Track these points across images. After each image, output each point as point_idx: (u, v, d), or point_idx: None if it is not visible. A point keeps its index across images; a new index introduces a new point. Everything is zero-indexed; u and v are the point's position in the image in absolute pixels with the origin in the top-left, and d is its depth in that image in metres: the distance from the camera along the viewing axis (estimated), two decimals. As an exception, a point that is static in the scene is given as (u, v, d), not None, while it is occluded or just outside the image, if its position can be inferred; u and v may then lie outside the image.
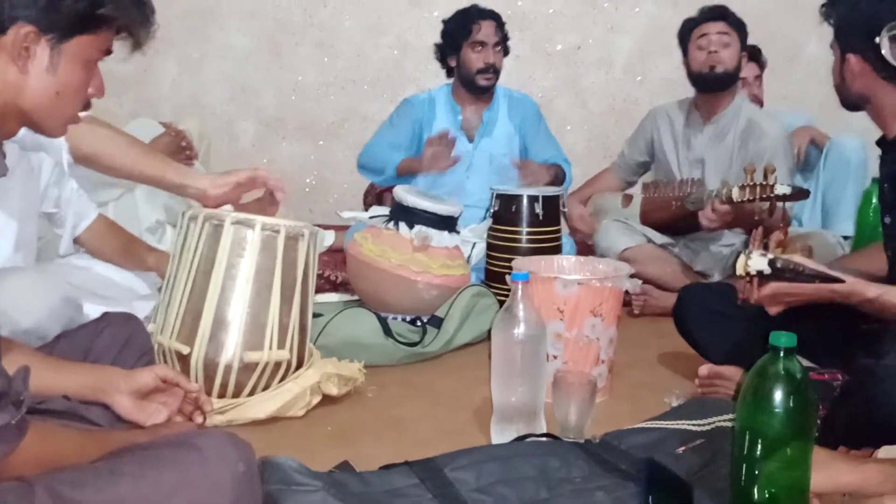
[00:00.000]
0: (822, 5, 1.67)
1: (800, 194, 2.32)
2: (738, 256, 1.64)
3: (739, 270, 1.60)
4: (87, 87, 1.15)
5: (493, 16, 3.05)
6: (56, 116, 1.12)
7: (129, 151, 1.72)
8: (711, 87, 2.81)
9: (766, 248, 1.61)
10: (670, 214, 2.81)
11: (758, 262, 1.56)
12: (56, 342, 1.46)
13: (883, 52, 1.53)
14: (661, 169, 3.01)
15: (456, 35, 3.03)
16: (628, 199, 3.03)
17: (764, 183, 2.32)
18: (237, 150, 4.13)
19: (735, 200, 2.39)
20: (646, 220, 2.92)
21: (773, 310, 1.65)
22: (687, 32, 2.84)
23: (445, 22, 3.10)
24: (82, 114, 1.58)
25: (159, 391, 1.38)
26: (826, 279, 1.55)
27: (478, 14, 3.03)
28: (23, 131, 1.65)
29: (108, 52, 1.17)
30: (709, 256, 2.86)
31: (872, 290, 1.53)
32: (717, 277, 2.79)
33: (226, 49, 4.11)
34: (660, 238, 2.86)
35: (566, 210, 2.98)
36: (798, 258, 1.58)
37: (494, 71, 3.03)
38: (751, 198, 2.34)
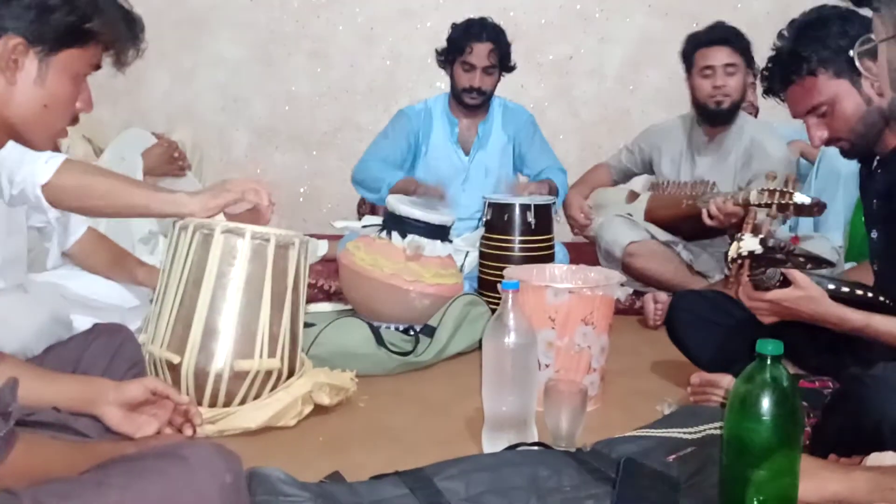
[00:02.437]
0: (785, 64, 1.65)
1: (817, 206, 2.23)
2: (730, 246, 1.62)
3: (732, 253, 1.59)
4: (75, 100, 1.15)
5: (492, 37, 2.97)
6: (43, 129, 1.13)
7: (108, 194, 1.64)
8: (715, 121, 2.79)
9: (755, 231, 1.61)
10: (679, 212, 2.76)
11: (749, 242, 1.56)
12: (45, 354, 1.46)
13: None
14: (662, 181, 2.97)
15: (451, 49, 3.02)
16: (633, 196, 3.01)
17: (784, 189, 2.25)
18: (230, 159, 4.13)
19: (752, 203, 2.33)
20: (651, 216, 2.90)
21: (766, 319, 1.66)
22: (691, 52, 2.77)
23: (452, 27, 3.05)
24: (48, 174, 1.58)
25: (149, 403, 1.37)
26: (815, 260, 1.56)
27: (475, 35, 2.96)
28: (7, 192, 1.64)
29: (97, 66, 1.18)
30: (709, 258, 2.86)
31: (858, 319, 1.54)
32: (717, 278, 2.77)
33: (218, 59, 4.11)
34: (663, 235, 2.85)
35: (565, 209, 2.96)
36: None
37: (480, 93, 3.01)
38: (769, 202, 2.27)
